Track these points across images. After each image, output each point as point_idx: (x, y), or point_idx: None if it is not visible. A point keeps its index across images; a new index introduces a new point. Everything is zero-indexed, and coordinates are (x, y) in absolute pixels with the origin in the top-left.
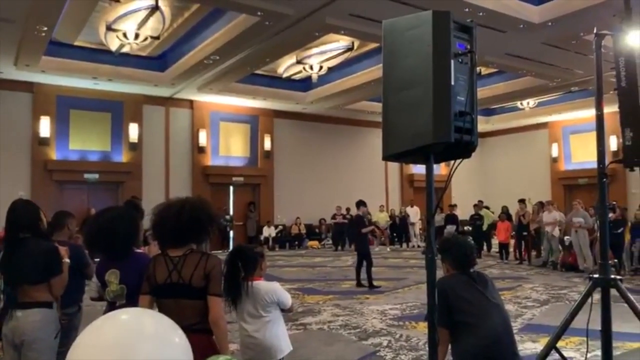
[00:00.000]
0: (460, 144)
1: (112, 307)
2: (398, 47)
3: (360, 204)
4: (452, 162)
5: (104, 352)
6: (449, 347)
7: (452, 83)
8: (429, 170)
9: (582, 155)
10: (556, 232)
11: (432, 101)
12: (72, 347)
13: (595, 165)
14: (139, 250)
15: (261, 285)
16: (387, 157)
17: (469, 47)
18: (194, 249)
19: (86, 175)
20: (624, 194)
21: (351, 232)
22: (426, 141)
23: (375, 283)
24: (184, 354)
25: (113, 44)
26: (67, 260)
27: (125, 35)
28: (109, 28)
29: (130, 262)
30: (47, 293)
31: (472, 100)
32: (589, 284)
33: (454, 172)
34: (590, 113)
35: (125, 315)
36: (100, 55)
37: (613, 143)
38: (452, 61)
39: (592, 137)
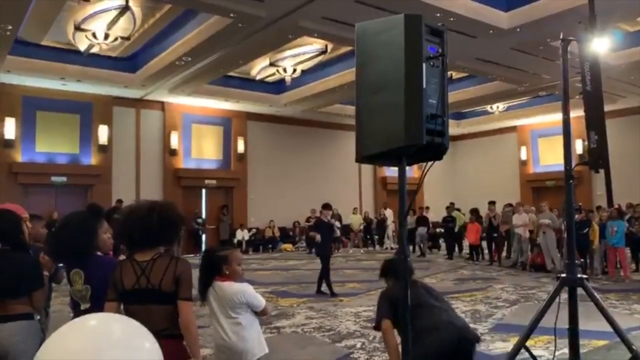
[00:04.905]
0: (431, 146)
1: (77, 311)
2: (370, 50)
3: (324, 207)
4: (424, 164)
5: (71, 358)
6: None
7: (424, 86)
8: (402, 173)
9: (550, 158)
10: (527, 234)
11: (404, 104)
12: (37, 355)
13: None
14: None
15: (228, 286)
16: (360, 159)
17: (440, 50)
18: (162, 252)
19: (53, 179)
20: (589, 196)
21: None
22: (398, 143)
23: (349, 286)
24: (155, 359)
25: (82, 44)
26: (47, 273)
27: (94, 35)
28: (78, 28)
29: (93, 265)
30: (27, 305)
31: (443, 103)
32: (557, 283)
33: (425, 174)
34: (557, 117)
35: (92, 321)
36: (69, 55)
37: (579, 146)
38: (424, 64)
39: (559, 140)
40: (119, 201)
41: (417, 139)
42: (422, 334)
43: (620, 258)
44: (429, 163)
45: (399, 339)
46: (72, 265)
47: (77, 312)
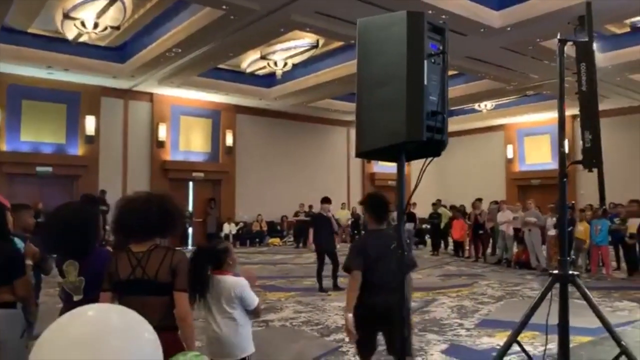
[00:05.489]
0: (431, 143)
1: (70, 303)
2: (372, 46)
3: (324, 201)
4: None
5: (71, 349)
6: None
7: (425, 83)
8: (401, 168)
9: (535, 157)
10: (511, 231)
11: (405, 100)
12: (36, 346)
13: (546, 167)
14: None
15: (227, 279)
16: (360, 154)
17: (441, 48)
18: (158, 244)
19: (38, 169)
20: (573, 195)
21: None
22: (399, 139)
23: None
24: (154, 349)
25: (70, 32)
26: (29, 262)
27: (83, 24)
28: (67, 16)
29: (90, 256)
30: (9, 294)
31: (443, 100)
32: (541, 279)
33: (424, 170)
34: (544, 116)
35: (91, 311)
36: (56, 43)
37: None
38: (425, 61)
39: (545, 139)
40: (103, 192)
41: (418, 136)
42: (372, 290)
43: (603, 256)
44: (428, 159)
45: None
46: (66, 256)
47: (70, 304)
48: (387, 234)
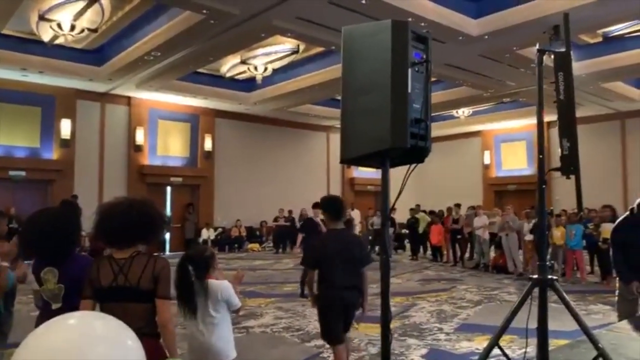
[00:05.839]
0: (415, 150)
1: (48, 312)
2: (357, 54)
3: (315, 205)
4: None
5: (53, 357)
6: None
7: (409, 91)
8: (385, 174)
9: (512, 162)
10: (486, 235)
11: (390, 108)
12: (15, 355)
13: (522, 173)
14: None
15: (213, 283)
16: (344, 160)
17: (424, 56)
18: (140, 251)
19: (11, 173)
20: (549, 200)
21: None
22: (384, 146)
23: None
24: (138, 356)
25: (46, 34)
26: (4, 263)
27: (59, 25)
28: (42, 17)
29: (69, 263)
30: None
31: (426, 108)
32: (528, 284)
33: (408, 176)
34: (520, 123)
35: (72, 320)
36: (31, 45)
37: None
38: (410, 70)
39: (521, 145)
40: (74, 197)
41: (402, 143)
42: (330, 284)
43: (578, 260)
44: (412, 165)
45: None
46: (44, 263)
47: (48, 312)
48: (345, 233)
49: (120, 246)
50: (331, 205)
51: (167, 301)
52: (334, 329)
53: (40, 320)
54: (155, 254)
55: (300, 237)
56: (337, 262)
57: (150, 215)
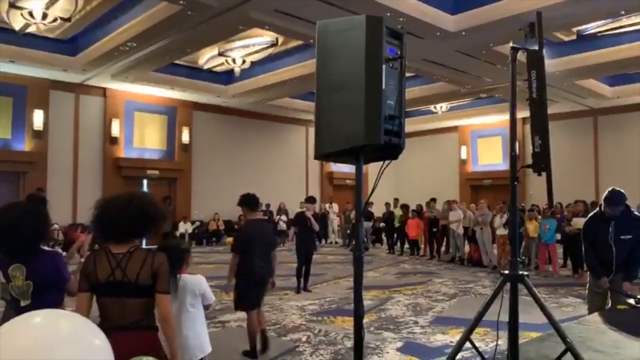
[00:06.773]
0: (389, 146)
1: (16, 308)
2: (331, 49)
3: (308, 200)
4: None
5: (17, 357)
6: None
7: (383, 87)
8: (359, 170)
9: (488, 158)
10: (460, 230)
11: (364, 104)
12: None
13: (498, 168)
14: (46, 248)
15: (188, 278)
16: (319, 157)
17: (399, 53)
18: (138, 246)
19: None
20: (522, 195)
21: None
22: (358, 142)
23: (293, 280)
24: (105, 356)
25: (17, 23)
26: None
27: (31, 14)
28: (13, 5)
29: (37, 259)
30: None
31: (400, 105)
32: (493, 277)
33: (382, 173)
34: (496, 119)
35: (37, 318)
36: (1, 34)
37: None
38: (384, 66)
39: (496, 141)
40: (40, 189)
41: (376, 139)
42: (250, 263)
43: (551, 254)
44: (386, 162)
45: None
46: (11, 259)
47: (17, 309)
48: (263, 222)
49: (118, 241)
50: (247, 200)
51: (167, 296)
52: (248, 299)
53: (7, 316)
54: (145, 247)
55: (292, 230)
56: (255, 245)
57: (149, 211)
